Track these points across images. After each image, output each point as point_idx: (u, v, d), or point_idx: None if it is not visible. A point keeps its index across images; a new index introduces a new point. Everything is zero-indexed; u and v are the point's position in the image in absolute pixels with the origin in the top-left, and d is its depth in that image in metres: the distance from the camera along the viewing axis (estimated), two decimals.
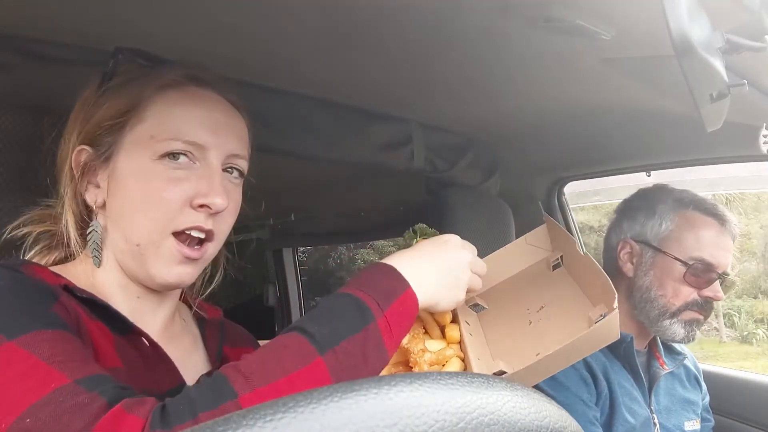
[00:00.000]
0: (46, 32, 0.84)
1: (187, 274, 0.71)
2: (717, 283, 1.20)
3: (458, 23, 0.84)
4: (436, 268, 0.72)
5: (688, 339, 1.22)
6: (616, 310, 0.71)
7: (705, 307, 1.21)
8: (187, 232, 0.69)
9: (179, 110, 0.70)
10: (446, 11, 0.80)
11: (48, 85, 0.87)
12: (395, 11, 0.80)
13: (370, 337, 0.60)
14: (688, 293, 1.20)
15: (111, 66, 0.71)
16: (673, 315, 1.22)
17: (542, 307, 0.89)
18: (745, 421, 1.54)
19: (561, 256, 0.96)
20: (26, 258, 0.71)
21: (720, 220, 1.23)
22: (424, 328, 0.83)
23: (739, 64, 0.77)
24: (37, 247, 0.72)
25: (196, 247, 0.70)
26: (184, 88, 0.72)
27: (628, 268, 1.28)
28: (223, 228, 0.73)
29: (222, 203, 0.69)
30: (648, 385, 1.26)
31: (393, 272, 0.67)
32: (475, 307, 0.96)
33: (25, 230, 0.71)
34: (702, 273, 1.19)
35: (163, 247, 0.68)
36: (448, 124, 1.46)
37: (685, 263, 1.20)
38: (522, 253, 1.02)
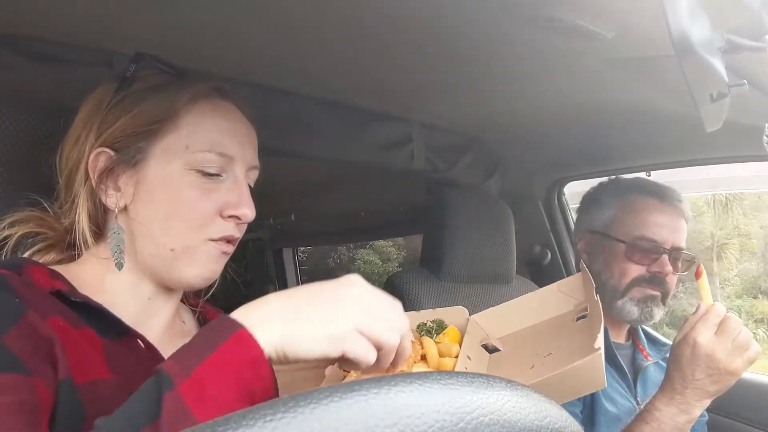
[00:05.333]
0: (46, 32, 0.84)
1: (217, 271, 0.74)
2: (664, 257, 1.23)
3: (458, 23, 0.84)
4: (298, 300, 0.54)
5: (643, 317, 1.25)
6: (599, 351, 0.69)
7: (655, 282, 1.24)
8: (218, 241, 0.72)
9: (210, 122, 0.72)
10: (446, 11, 0.80)
11: (48, 85, 0.87)
12: (395, 11, 0.80)
13: (168, 410, 0.46)
14: (634, 271, 1.24)
15: (132, 71, 0.71)
16: (623, 294, 1.25)
17: (550, 353, 0.86)
18: (743, 420, 1.54)
19: (587, 306, 0.94)
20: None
21: (660, 198, 1.28)
22: (423, 356, 0.81)
23: (739, 64, 0.77)
24: (32, 249, 0.71)
25: (229, 242, 0.74)
26: (211, 99, 0.74)
27: (584, 259, 1.34)
28: (241, 234, 0.76)
29: (251, 214, 0.73)
30: (633, 376, 1.28)
31: (222, 321, 0.52)
32: (490, 348, 0.94)
33: (7, 233, 0.70)
34: (644, 249, 1.24)
35: (200, 251, 0.71)
36: (448, 124, 1.46)
37: (625, 242, 1.25)
38: (552, 300, 0.99)
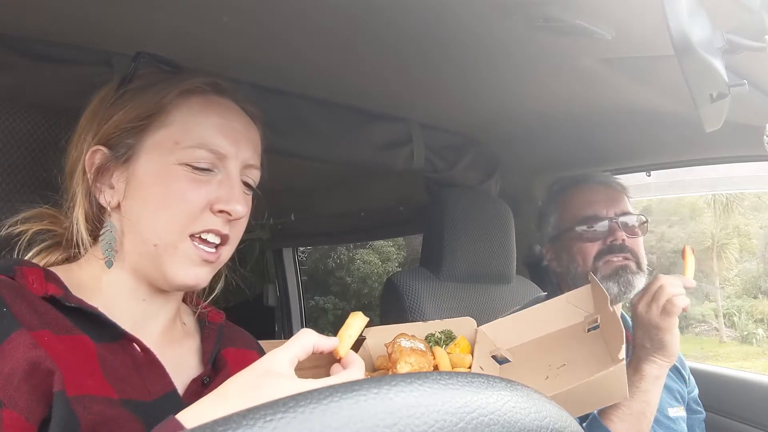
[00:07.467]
0: (46, 32, 0.84)
1: (203, 276, 0.72)
2: (612, 224, 1.29)
3: (458, 24, 0.84)
4: (234, 388, 0.56)
5: (623, 288, 1.26)
6: (623, 361, 0.69)
7: (615, 249, 1.27)
8: (203, 237, 0.70)
9: (202, 117, 0.71)
10: (446, 12, 0.80)
11: (48, 85, 0.87)
12: (395, 12, 0.80)
13: None
14: (593, 248, 1.29)
15: (131, 69, 0.71)
16: (594, 275, 1.27)
17: (564, 364, 0.87)
18: (743, 420, 1.55)
19: (598, 318, 0.94)
20: (27, 257, 0.70)
21: (584, 182, 1.37)
22: (435, 367, 0.81)
23: (739, 64, 0.77)
24: (38, 246, 0.71)
25: (212, 250, 0.71)
26: (205, 95, 0.73)
27: (555, 266, 1.40)
28: (236, 234, 0.75)
29: (242, 210, 0.71)
30: None
31: (169, 422, 0.53)
32: (500, 359, 0.94)
33: (21, 228, 0.70)
34: (591, 225, 1.30)
35: (181, 249, 0.69)
36: (448, 124, 1.46)
37: (573, 228, 1.31)
38: (561, 311, 1.00)
